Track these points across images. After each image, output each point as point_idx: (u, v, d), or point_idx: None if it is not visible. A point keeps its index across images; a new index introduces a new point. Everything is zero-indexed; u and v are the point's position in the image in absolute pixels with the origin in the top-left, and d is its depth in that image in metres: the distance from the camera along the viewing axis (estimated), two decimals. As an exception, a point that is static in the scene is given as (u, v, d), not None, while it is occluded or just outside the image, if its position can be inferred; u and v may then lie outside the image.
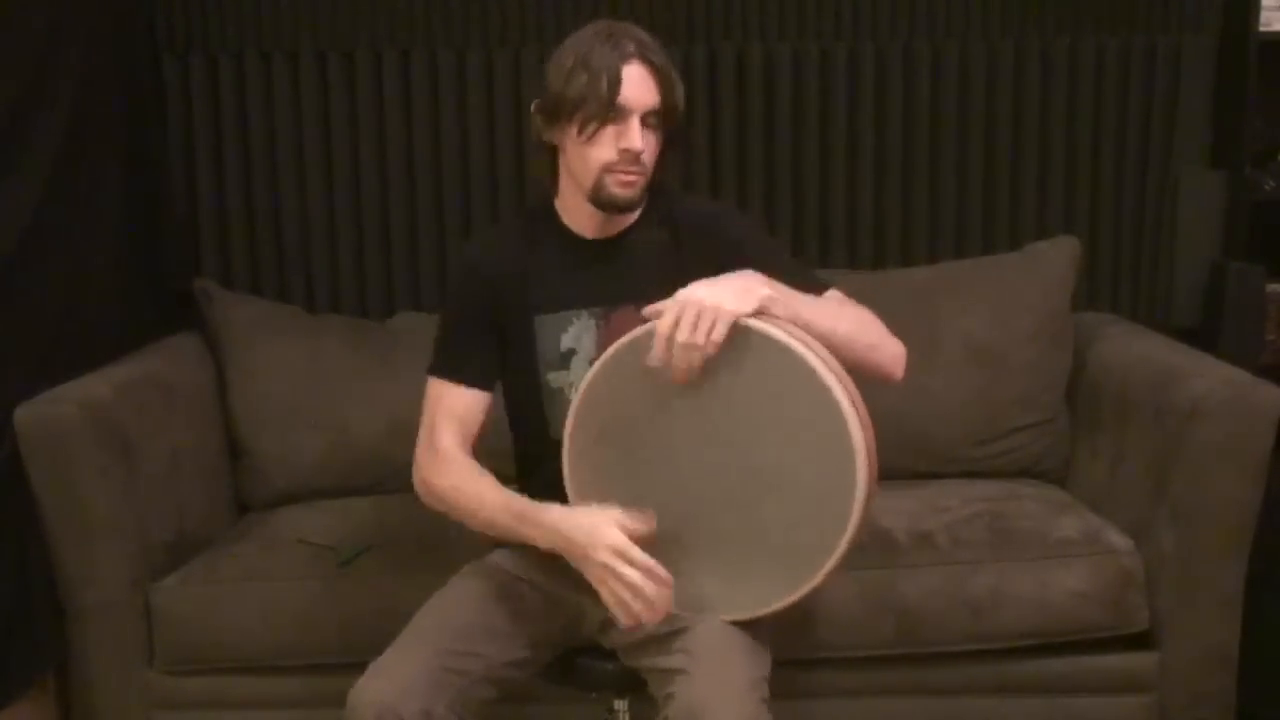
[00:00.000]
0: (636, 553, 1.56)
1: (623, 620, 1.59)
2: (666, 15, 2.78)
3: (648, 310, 1.58)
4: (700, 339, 1.52)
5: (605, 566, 1.56)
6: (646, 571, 1.56)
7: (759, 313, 1.56)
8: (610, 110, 1.69)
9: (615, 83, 1.67)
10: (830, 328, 1.63)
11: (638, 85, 1.70)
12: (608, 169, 1.72)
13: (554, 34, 2.77)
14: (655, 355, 1.55)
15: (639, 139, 1.70)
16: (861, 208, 2.85)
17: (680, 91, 1.75)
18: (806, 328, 1.59)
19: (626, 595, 1.56)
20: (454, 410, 1.80)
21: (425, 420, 1.82)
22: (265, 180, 2.83)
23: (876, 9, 2.80)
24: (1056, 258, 2.62)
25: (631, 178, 1.73)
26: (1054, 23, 2.80)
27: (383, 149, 2.82)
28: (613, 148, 1.71)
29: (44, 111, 2.33)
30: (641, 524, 1.59)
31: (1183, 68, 2.81)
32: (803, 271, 1.80)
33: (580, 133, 1.70)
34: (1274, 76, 2.75)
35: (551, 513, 1.65)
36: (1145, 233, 2.86)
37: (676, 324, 1.53)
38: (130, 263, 2.63)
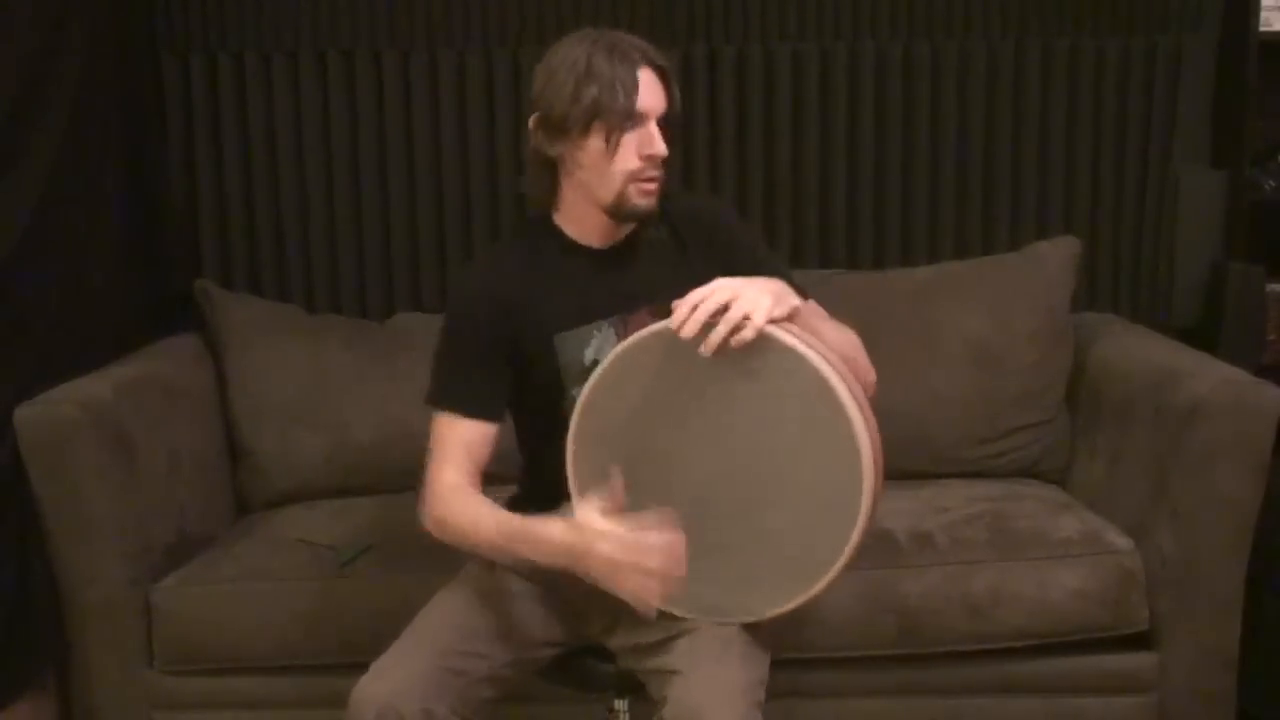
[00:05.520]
0: (629, 535, 1.50)
1: (648, 606, 1.51)
2: (666, 15, 2.78)
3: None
4: (729, 323, 1.50)
5: (608, 561, 1.50)
6: (645, 546, 1.49)
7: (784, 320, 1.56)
8: (630, 119, 1.67)
9: (633, 90, 1.66)
10: (834, 340, 1.64)
11: (651, 90, 1.69)
12: (633, 178, 1.70)
13: (554, 34, 2.73)
14: (676, 316, 1.53)
15: (662, 143, 1.70)
16: (861, 208, 2.85)
17: (677, 92, 1.75)
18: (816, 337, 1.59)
19: (638, 578, 1.49)
20: (460, 444, 1.72)
21: (430, 455, 1.74)
22: (265, 180, 2.83)
23: (876, 9, 2.80)
24: (1056, 258, 2.61)
25: (654, 184, 1.72)
26: (1054, 23, 2.80)
27: (383, 149, 2.82)
28: (634, 156, 1.69)
29: (44, 111, 2.33)
30: (611, 497, 1.54)
31: (1183, 68, 2.81)
32: (783, 272, 1.77)
33: (606, 144, 1.67)
34: (1274, 76, 2.75)
35: (543, 526, 1.58)
36: (1145, 233, 2.86)
37: (709, 298, 1.52)
38: (130, 263, 2.63)
